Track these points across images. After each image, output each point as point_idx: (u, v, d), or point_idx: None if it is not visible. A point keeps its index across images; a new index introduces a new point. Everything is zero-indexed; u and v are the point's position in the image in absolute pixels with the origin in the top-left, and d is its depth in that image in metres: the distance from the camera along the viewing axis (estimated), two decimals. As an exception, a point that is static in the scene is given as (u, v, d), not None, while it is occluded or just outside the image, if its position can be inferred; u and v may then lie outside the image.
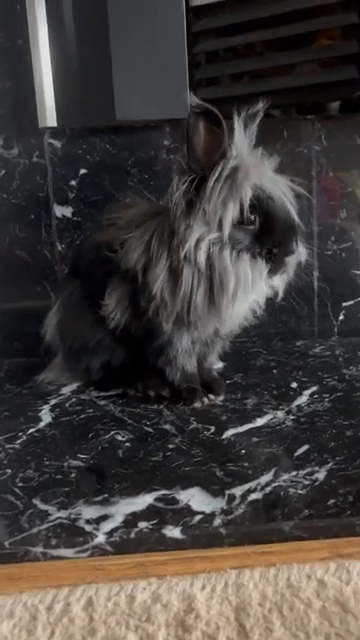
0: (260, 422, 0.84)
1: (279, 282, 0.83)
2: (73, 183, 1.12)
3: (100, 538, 0.61)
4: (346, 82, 1.02)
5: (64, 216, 1.13)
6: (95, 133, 1.10)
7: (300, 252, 0.81)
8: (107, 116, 1.05)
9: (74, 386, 1.01)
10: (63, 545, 0.61)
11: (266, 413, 0.86)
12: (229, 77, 1.13)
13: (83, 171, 1.12)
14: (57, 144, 1.10)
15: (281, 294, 0.85)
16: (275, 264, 0.79)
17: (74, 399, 0.96)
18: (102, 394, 0.97)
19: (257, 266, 0.78)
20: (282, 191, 0.79)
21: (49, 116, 1.07)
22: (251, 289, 0.78)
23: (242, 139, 0.78)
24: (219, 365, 1.03)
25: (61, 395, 0.97)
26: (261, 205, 0.77)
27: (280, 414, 0.86)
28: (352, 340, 1.17)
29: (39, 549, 0.61)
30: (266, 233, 0.78)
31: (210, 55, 1.12)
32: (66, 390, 0.99)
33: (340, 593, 0.55)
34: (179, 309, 0.81)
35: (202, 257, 0.77)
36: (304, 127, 1.14)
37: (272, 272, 0.79)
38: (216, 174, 0.76)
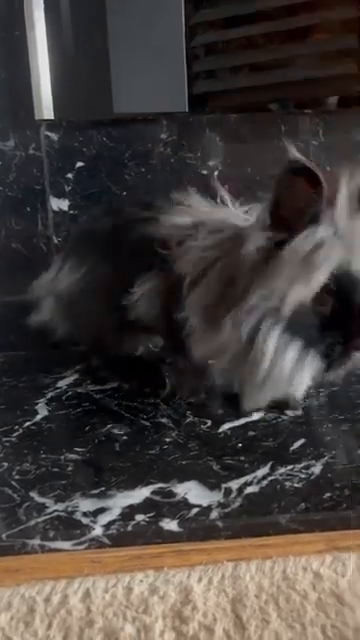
0: (256, 416, 0.84)
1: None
2: (70, 176, 1.12)
3: (97, 531, 0.61)
4: (345, 76, 1.02)
5: (60, 209, 1.13)
6: (92, 126, 1.10)
7: None
8: (105, 109, 1.05)
9: (71, 379, 1.01)
10: (60, 537, 0.61)
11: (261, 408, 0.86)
12: (228, 70, 1.13)
13: (80, 164, 1.11)
14: (54, 136, 1.10)
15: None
16: (335, 360, 0.67)
17: (70, 392, 0.96)
18: (99, 387, 0.97)
19: (305, 359, 0.67)
20: None
21: (46, 108, 1.06)
22: (286, 384, 0.68)
23: (344, 206, 0.66)
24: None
25: (57, 389, 0.97)
26: (340, 289, 0.65)
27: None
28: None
29: (36, 541, 0.61)
30: (335, 323, 0.66)
31: (209, 47, 1.12)
32: (62, 384, 0.99)
33: (336, 585, 0.56)
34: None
35: (250, 325, 0.67)
36: (302, 121, 1.14)
37: (328, 368, 0.69)
38: (295, 242, 0.66)
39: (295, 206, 0.65)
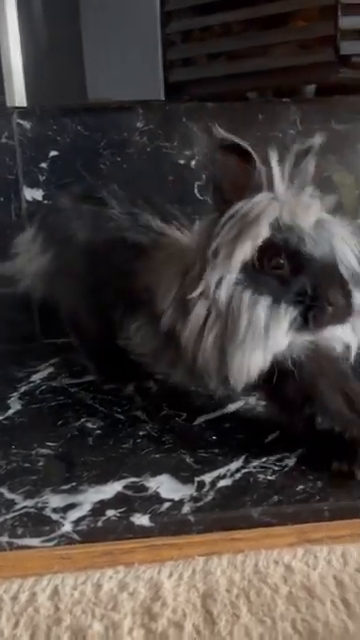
0: (232, 408, 0.84)
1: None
2: (44, 165, 1.09)
3: (67, 527, 0.60)
4: (323, 64, 1.01)
5: (34, 199, 1.10)
6: (66, 114, 1.08)
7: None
8: (78, 95, 1.03)
9: (45, 373, 0.99)
10: (29, 534, 0.60)
11: (238, 399, 0.86)
12: (205, 57, 1.11)
13: (54, 153, 1.09)
14: (26, 125, 1.07)
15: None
16: (314, 316, 0.65)
17: (45, 386, 0.94)
18: (75, 381, 0.96)
19: (278, 311, 0.66)
20: (329, 233, 0.68)
21: (18, 95, 1.04)
22: (264, 337, 0.65)
23: (279, 176, 0.67)
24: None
25: (31, 382, 0.95)
26: (289, 246, 0.66)
27: (252, 400, 0.85)
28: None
29: (4, 538, 0.59)
30: (295, 277, 0.66)
31: (185, 35, 1.10)
32: (36, 377, 0.98)
33: (307, 578, 0.55)
34: (184, 344, 0.70)
35: (223, 297, 0.67)
36: (279, 110, 1.12)
37: (308, 325, 0.66)
38: (233, 210, 0.67)
39: (234, 184, 0.67)
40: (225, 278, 0.67)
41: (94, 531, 0.60)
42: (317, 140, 0.71)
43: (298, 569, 0.56)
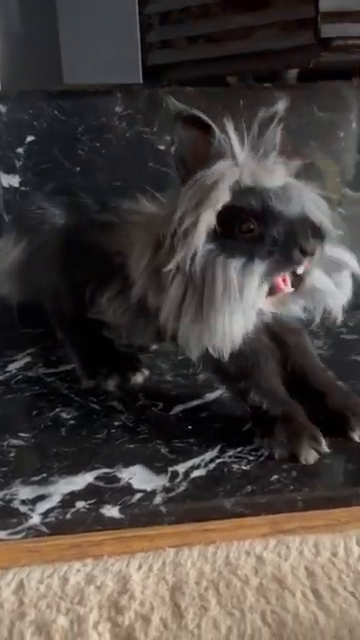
0: (210, 397, 0.82)
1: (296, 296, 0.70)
2: (20, 151, 1.07)
3: (35, 519, 0.59)
4: (303, 48, 0.99)
5: (11, 186, 1.08)
6: (43, 98, 1.05)
7: (338, 257, 0.68)
8: (55, 79, 1.00)
9: (22, 363, 0.97)
10: (-5, 527, 0.58)
11: (216, 389, 0.84)
12: (184, 40, 1.08)
13: (30, 138, 1.06)
14: (2, 108, 1.05)
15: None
16: (278, 262, 0.65)
17: (20, 376, 0.92)
18: (51, 370, 0.94)
19: (251, 268, 0.65)
20: (296, 194, 0.68)
21: (-8, 78, 1.01)
22: (241, 298, 0.64)
23: (237, 143, 0.67)
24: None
25: (6, 372, 0.94)
26: (255, 208, 0.66)
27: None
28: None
29: (-30, 532, 0.58)
30: (266, 234, 0.66)
31: (163, 16, 1.07)
32: (12, 367, 0.96)
33: (278, 569, 0.54)
34: (163, 322, 0.70)
35: (198, 271, 0.66)
36: (262, 96, 1.10)
37: (273, 270, 0.66)
38: (193, 180, 0.66)
39: (195, 154, 0.67)
40: (199, 252, 0.66)
41: (63, 523, 0.59)
42: (281, 106, 0.70)
43: (269, 560, 0.55)
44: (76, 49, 0.98)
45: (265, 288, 0.67)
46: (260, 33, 1.03)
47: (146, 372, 0.89)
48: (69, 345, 0.94)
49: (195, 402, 0.82)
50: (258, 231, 0.66)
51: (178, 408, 0.80)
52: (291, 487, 0.62)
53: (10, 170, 1.07)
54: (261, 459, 0.67)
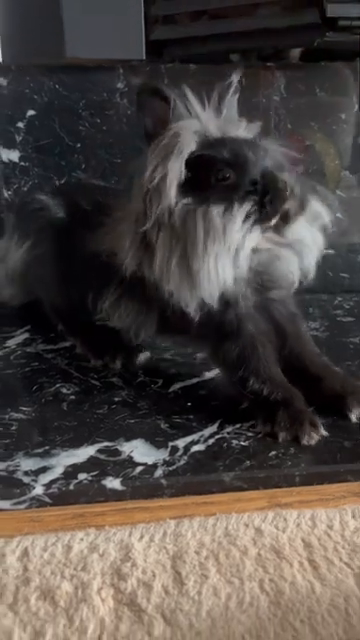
0: (208, 375, 0.84)
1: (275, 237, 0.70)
2: (20, 125, 1.06)
3: (38, 489, 0.60)
4: (308, 27, 0.98)
5: (10, 161, 1.07)
6: (44, 72, 1.04)
7: (310, 206, 0.69)
8: (56, 53, 0.99)
9: (21, 339, 0.98)
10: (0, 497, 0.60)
11: (214, 367, 0.85)
12: (187, 16, 1.07)
13: (31, 112, 1.05)
14: (2, 82, 1.03)
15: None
16: (269, 200, 0.66)
17: (20, 352, 0.93)
18: (50, 347, 0.95)
19: (232, 210, 0.66)
20: (263, 144, 0.71)
21: (-8, 51, 0.99)
22: (224, 239, 0.65)
23: (198, 106, 0.70)
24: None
25: (6, 348, 0.94)
26: (228, 156, 0.67)
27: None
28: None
29: (-26, 501, 0.59)
30: (240, 178, 0.67)
31: (167, -9, 1.05)
32: (12, 343, 0.96)
33: (276, 540, 0.56)
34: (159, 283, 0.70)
35: (178, 222, 0.67)
36: (263, 75, 1.10)
37: (258, 221, 0.66)
38: (159, 139, 0.69)
39: (159, 121, 0.69)
40: (174, 204, 0.67)
41: (65, 494, 0.60)
42: (235, 78, 0.73)
43: (268, 532, 0.57)
44: (79, 23, 0.97)
45: (255, 233, 0.67)
46: (264, 10, 1.02)
47: (148, 353, 0.90)
48: (70, 335, 0.95)
49: (194, 380, 0.83)
50: (234, 178, 0.67)
51: (177, 385, 0.81)
52: (289, 463, 0.64)
53: (10, 145, 1.06)
54: (259, 435, 0.68)
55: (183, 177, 0.67)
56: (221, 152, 0.68)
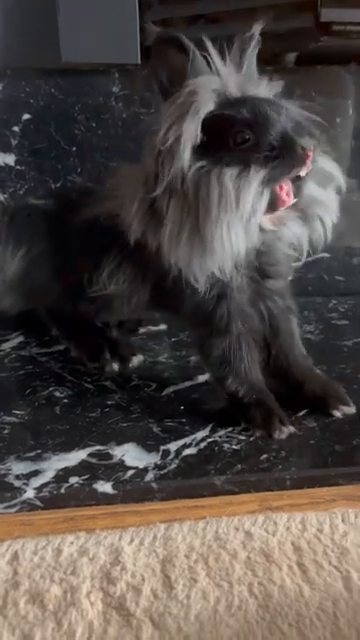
0: (202, 379, 0.84)
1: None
2: (16, 129, 1.06)
3: (29, 493, 0.60)
4: (303, 31, 0.98)
5: (6, 164, 1.07)
6: (39, 75, 1.04)
7: (325, 167, 0.67)
8: (52, 57, 0.99)
9: (15, 342, 0.98)
10: (-10, 501, 0.60)
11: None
12: (183, 21, 1.07)
13: (26, 116, 1.05)
14: (-2, 86, 1.04)
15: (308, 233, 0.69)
16: (278, 167, 0.62)
17: (14, 355, 0.93)
18: (44, 350, 0.95)
19: (248, 175, 0.62)
20: (284, 104, 0.66)
21: (-12, 54, 1.00)
22: (237, 205, 0.61)
23: (219, 59, 0.66)
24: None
25: (1, 351, 0.94)
26: (247, 115, 0.63)
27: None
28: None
29: (-35, 505, 0.59)
30: (260, 139, 0.63)
31: (163, -4, 1.06)
32: (6, 346, 0.96)
33: (266, 544, 0.56)
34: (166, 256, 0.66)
35: (191, 187, 0.63)
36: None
37: (274, 177, 0.62)
38: (175, 96, 0.63)
39: (175, 74, 0.64)
40: (188, 168, 0.63)
41: (56, 498, 0.60)
42: (256, 29, 0.70)
43: (257, 535, 0.57)
44: (75, 27, 0.97)
45: (265, 197, 0.63)
46: (260, 14, 1.03)
47: (141, 356, 0.90)
48: (65, 339, 0.95)
49: (187, 383, 0.83)
50: (253, 140, 0.63)
51: (170, 389, 0.81)
52: (280, 466, 0.64)
53: (6, 149, 1.06)
54: (251, 439, 0.69)
55: (199, 140, 0.63)
56: (240, 112, 0.63)
